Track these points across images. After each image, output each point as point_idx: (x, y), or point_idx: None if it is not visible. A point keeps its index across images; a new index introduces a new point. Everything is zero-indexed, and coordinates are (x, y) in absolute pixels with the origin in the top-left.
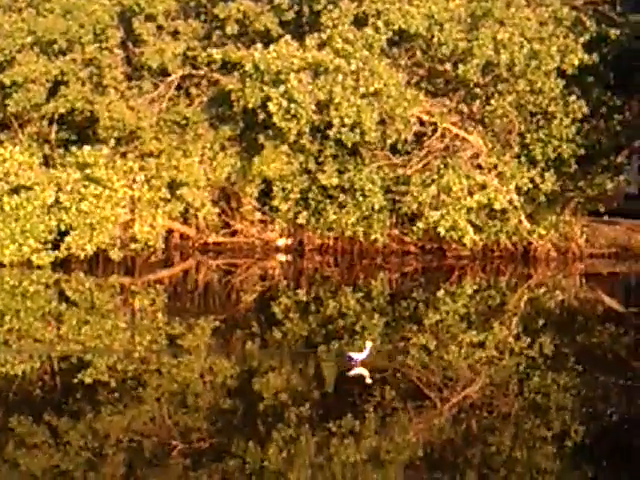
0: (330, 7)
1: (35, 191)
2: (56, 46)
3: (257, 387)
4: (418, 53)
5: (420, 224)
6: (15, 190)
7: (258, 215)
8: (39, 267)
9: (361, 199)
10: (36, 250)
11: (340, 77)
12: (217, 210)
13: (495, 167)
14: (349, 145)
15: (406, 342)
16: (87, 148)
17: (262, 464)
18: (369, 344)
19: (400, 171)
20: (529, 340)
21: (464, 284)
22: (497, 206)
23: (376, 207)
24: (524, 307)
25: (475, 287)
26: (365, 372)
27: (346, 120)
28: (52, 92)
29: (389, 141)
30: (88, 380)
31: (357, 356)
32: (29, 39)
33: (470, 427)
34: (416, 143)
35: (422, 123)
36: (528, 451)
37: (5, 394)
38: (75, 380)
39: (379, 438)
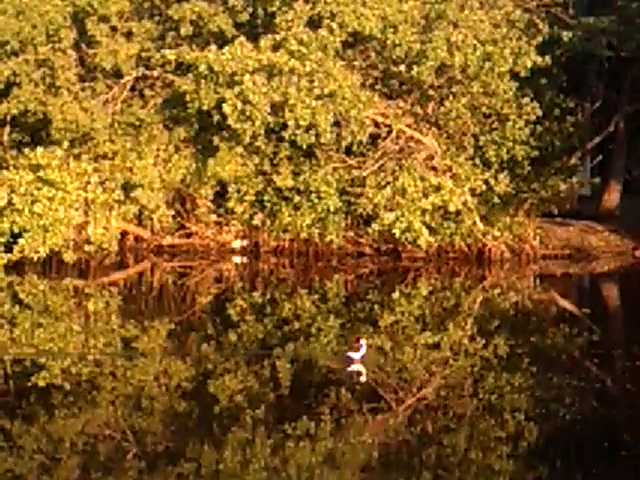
0: (284, 9)
1: None
2: (8, 47)
3: (212, 390)
4: (372, 55)
5: (375, 226)
6: None
7: (213, 217)
8: None
9: (316, 201)
10: None
11: (295, 79)
12: (172, 212)
13: (450, 169)
14: (304, 147)
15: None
16: (40, 150)
17: (218, 467)
18: (364, 342)
19: (355, 173)
20: (484, 341)
21: (419, 286)
22: (451, 208)
23: (331, 209)
24: (478, 308)
25: (430, 288)
26: (363, 370)
27: (301, 122)
28: (4, 93)
29: (344, 143)
30: (42, 383)
31: (355, 355)
32: None
33: (425, 428)
34: (371, 145)
35: (377, 125)
36: (483, 452)
37: None
38: (29, 383)
39: (335, 440)
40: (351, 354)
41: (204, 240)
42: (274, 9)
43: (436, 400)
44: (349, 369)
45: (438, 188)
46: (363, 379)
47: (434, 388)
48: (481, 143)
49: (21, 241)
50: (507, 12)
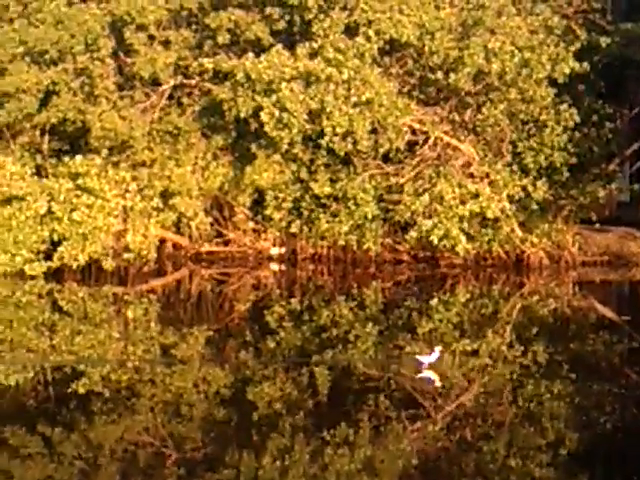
0: (321, 16)
1: (27, 201)
2: (48, 56)
3: (251, 397)
4: (409, 62)
5: (413, 233)
6: (7, 200)
7: (251, 224)
8: (32, 277)
9: (354, 208)
10: (29, 260)
11: (332, 86)
12: (210, 219)
13: (487, 176)
14: (341, 154)
15: (400, 351)
16: (79, 158)
17: (256, 474)
18: (438, 348)
19: (393, 180)
20: (522, 348)
21: (457, 293)
22: (489, 214)
23: (369, 216)
24: (517, 315)
25: (468, 295)
26: (434, 376)
27: (338, 129)
28: (44, 102)
29: (381, 150)
30: (82, 390)
31: (426, 359)
32: (21, 49)
33: (464, 436)
34: (408, 152)
35: (414, 132)
36: (522, 460)
37: None
38: (69, 390)
39: (373, 447)
40: (421, 357)
41: (242, 247)
42: (311, 17)
43: (475, 407)
44: (420, 375)
45: (476, 195)
46: (438, 384)
47: (473, 395)
48: (519, 150)
49: (61, 249)
50: (545, 18)
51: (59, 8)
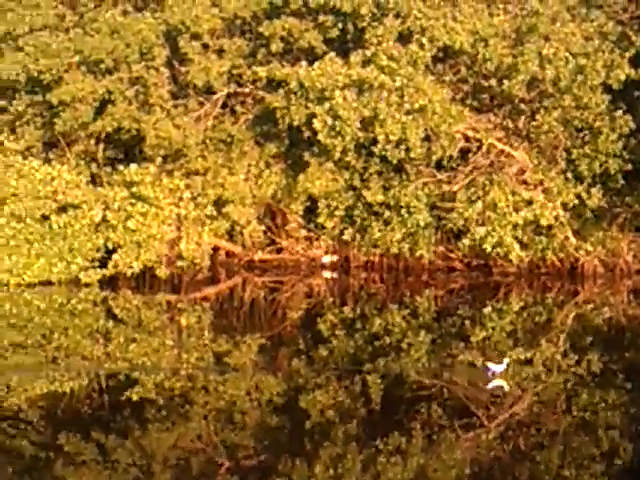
0: (374, 24)
1: (83, 209)
2: (103, 65)
3: (304, 404)
4: (463, 69)
5: (466, 240)
6: (63, 208)
7: (303, 232)
8: (87, 285)
9: (406, 216)
10: (84, 268)
11: (385, 94)
12: (263, 227)
13: (541, 183)
14: (394, 162)
15: (453, 359)
16: (134, 166)
17: None
18: (507, 360)
19: (445, 187)
20: (577, 357)
21: (511, 301)
22: (543, 222)
23: (421, 224)
24: (571, 324)
25: (522, 304)
26: (503, 383)
27: (391, 137)
28: (99, 111)
29: (434, 157)
30: (135, 398)
31: (495, 368)
32: (76, 58)
33: (517, 445)
34: (461, 159)
35: (467, 139)
36: (576, 469)
37: (54, 412)
38: (123, 398)
39: (426, 456)
40: (491, 365)
41: (294, 255)
42: (364, 25)
43: (529, 416)
44: (490, 385)
45: (530, 202)
46: (507, 389)
47: (527, 404)
48: (573, 157)
49: (115, 257)
50: (599, 25)
51: (114, 17)
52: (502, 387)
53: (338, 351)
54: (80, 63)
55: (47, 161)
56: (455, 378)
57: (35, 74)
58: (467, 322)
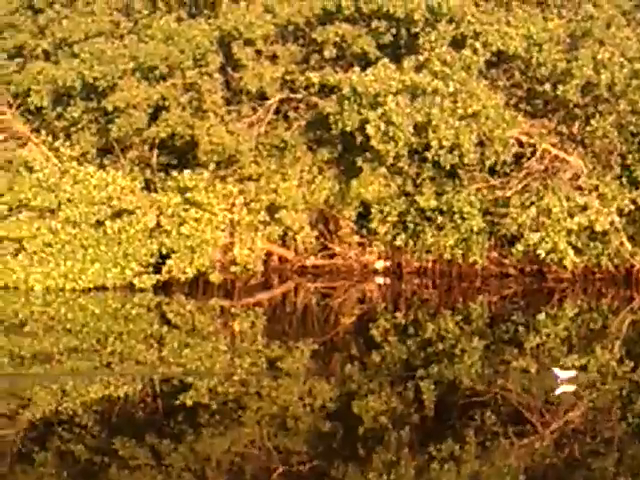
0: (428, 29)
1: (137, 215)
2: (157, 72)
3: (357, 410)
4: (517, 74)
5: (520, 246)
6: (117, 214)
7: (356, 238)
8: (141, 290)
9: (459, 221)
10: (138, 273)
11: (438, 99)
12: (315, 233)
13: (596, 188)
14: (447, 167)
15: (506, 366)
16: (187, 172)
17: None
18: (573, 373)
19: (499, 193)
20: (632, 364)
21: (565, 307)
22: (598, 228)
23: (475, 229)
24: (627, 330)
25: (576, 310)
26: (571, 389)
27: (444, 142)
28: (153, 117)
29: (488, 163)
30: (189, 402)
31: (563, 374)
32: (131, 65)
33: (572, 452)
34: (515, 165)
35: (521, 144)
36: (632, 477)
37: (108, 416)
38: (176, 402)
39: (480, 463)
40: (558, 371)
41: (347, 261)
42: (417, 30)
43: (583, 423)
44: (558, 391)
45: (584, 208)
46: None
47: (581, 411)
48: (628, 162)
49: (169, 262)
50: None
51: (168, 24)
52: (570, 393)
53: (391, 357)
54: (134, 69)
55: (102, 167)
56: (509, 385)
57: (90, 81)
58: (521, 328)
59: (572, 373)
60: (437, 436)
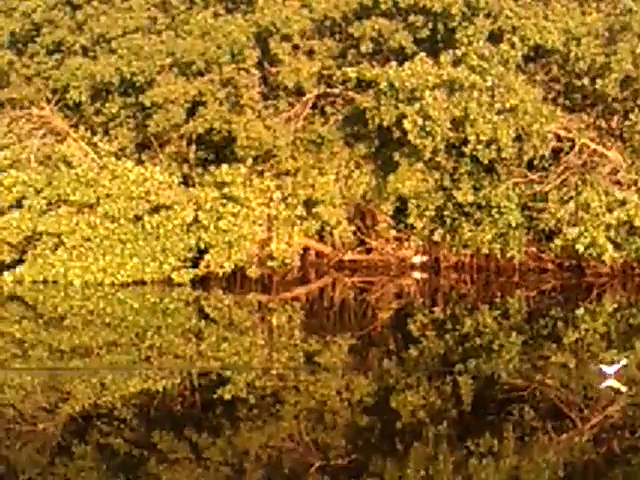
0: (465, 24)
1: (175, 210)
2: (194, 67)
3: (394, 405)
4: (555, 68)
5: (558, 241)
6: (155, 209)
7: (393, 232)
8: (179, 284)
9: (497, 216)
10: (176, 268)
11: (475, 94)
12: (352, 228)
13: (635, 183)
14: (485, 162)
15: (545, 361)
16: (225, 167)
17: None
18: (623, 361)
19: (537, 188)
20: None
21: (604, 302)
22: (637, 223)
23: (513, 224)
24: None
25: (615, 305)
26: (618, 384)
27: (482, 137)
28: (191, 112)
29: (525, 157)
30: (227, 396)
31: (609, 369)
32: (168, 60)
33: (612, 447)
34: (553, 159)
35: (559, 139)
36: None
37: (147, 410)
38: (214, 396)
39: (518, 458)
40: (604, 367)
41: (384, 255)
42: (455, 24)
43: (622, 419)
44: (604, 385)
45: (623, 202)
46: (623, 390)
47: (621, 407)
48: None
49: (207, 257)
50: None
51: (206, 20)
52: (617, 388)
53: (428, 352)
54: (172, 65)
55: (140, 162)
56: (547, 380)
57: (128, 76)
58: (559, 323)
59: (620, 363)
60: (475, 431)
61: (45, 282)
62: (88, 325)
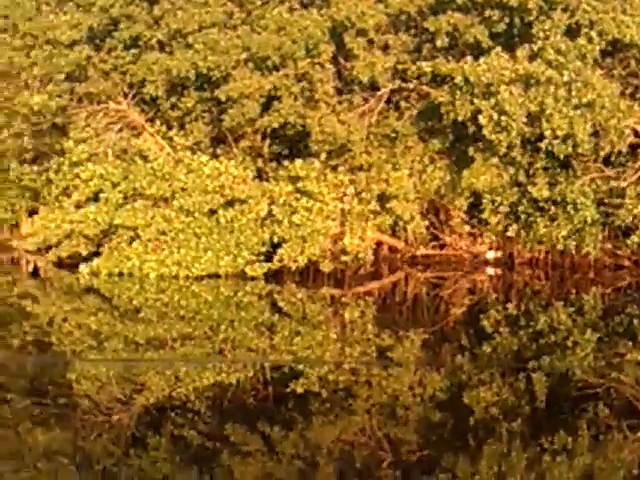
0: (542, 18)
1: (249, 204)
2: (270, 62)
3: (467, 401)
4: (632, 63)
5: (635, 238)
6: (230, 203)
7: (467, 228)
8: (252, 278)
9: (573, 212)
10: (250, 261)
11: (552, 88)
12: (426, 223)
13: None
14: (561, 157)
15: (620, 358)
16: (299, 162)
17: (473, 479)
18: None
19: (614, 183)
20: None
21: None
22: None
23: (588, 220)
24: None
25: None
26: None
27: (558, 132)
28: (265, 107)
29: (602, 153)
30: (300, 390)
31: None
32: (244, 55)
33: None
34: (631, 155)
35: (637, 134)
36: None
37: (220, 402)
38: (287, 390)
39: (592, 456)
40: None
41: (458, 251)
42: (531, 19)
43: None
44: None
45: None
46: None
47: None
48: None
49: (280, 251)
50: None
51: (281, 14)
52: None
53: (502, 348)
54: (247, 60)
55: (215, 156)
56: (622, 377)
57: (204, 71)
58: (635, 321)
59: None
60: (549, 428)
61: (121, 275)
62: (163, 317)
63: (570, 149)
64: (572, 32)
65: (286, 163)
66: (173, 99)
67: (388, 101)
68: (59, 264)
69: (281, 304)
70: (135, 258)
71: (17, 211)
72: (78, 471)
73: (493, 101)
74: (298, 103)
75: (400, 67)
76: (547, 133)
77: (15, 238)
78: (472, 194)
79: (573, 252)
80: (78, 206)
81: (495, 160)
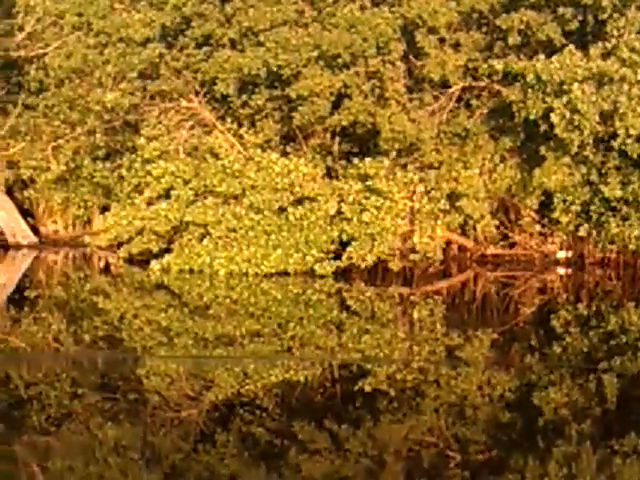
0: (616, 16)
1: (318, 202)
2: (340, 60)
3: (536, 401)
4: None
5: None
6: (299, 201)
7: (537, 227)
8: (321, 276)
9: None
10: (319, 259)
11: (626, 87)
12: (496, 222)
13: None
14: (634, 156)
15: None
16: (368, 160)
17: None
18: None
19: None
20: None
21: None
22: None
23: None
24: None
25: None
26: None
27: (631, 131)
28: (335, 105)
29: None
30: (368, 388)
31: None
32: (314, 53)
33: None
34: None
35: None
36: None
37: (288, 399)
38: (355, 388)
39: None
40: None
41: (527, 250)
42: (605, 16)
43: None
44: None
45: None
46: None
47: None
48: None
49: (349, 249)
50: None
51: (352, 12)
52: None
53: (572, 349)
54: (318, 58)
55: (284, 154)
56: None
57: (275, 69)
58: None
59: None
60: (619, 430)
61: (191, 271)
62: (232, 314)
63: None
64: None
65: (356, 161)
66: (244, 97)
67: (459, 99)
68: (130, 260)
69: (349, 302)
70: (205, 255)
71: (89, 208)
72: (147, 466)
73: (565, 99)
74: (368, 101)
75: (471, 65)
76: (620, 132)
77: (87, 235)
78: (543, 193)
79: None
80: (149, 203)
81: (567, 159)
